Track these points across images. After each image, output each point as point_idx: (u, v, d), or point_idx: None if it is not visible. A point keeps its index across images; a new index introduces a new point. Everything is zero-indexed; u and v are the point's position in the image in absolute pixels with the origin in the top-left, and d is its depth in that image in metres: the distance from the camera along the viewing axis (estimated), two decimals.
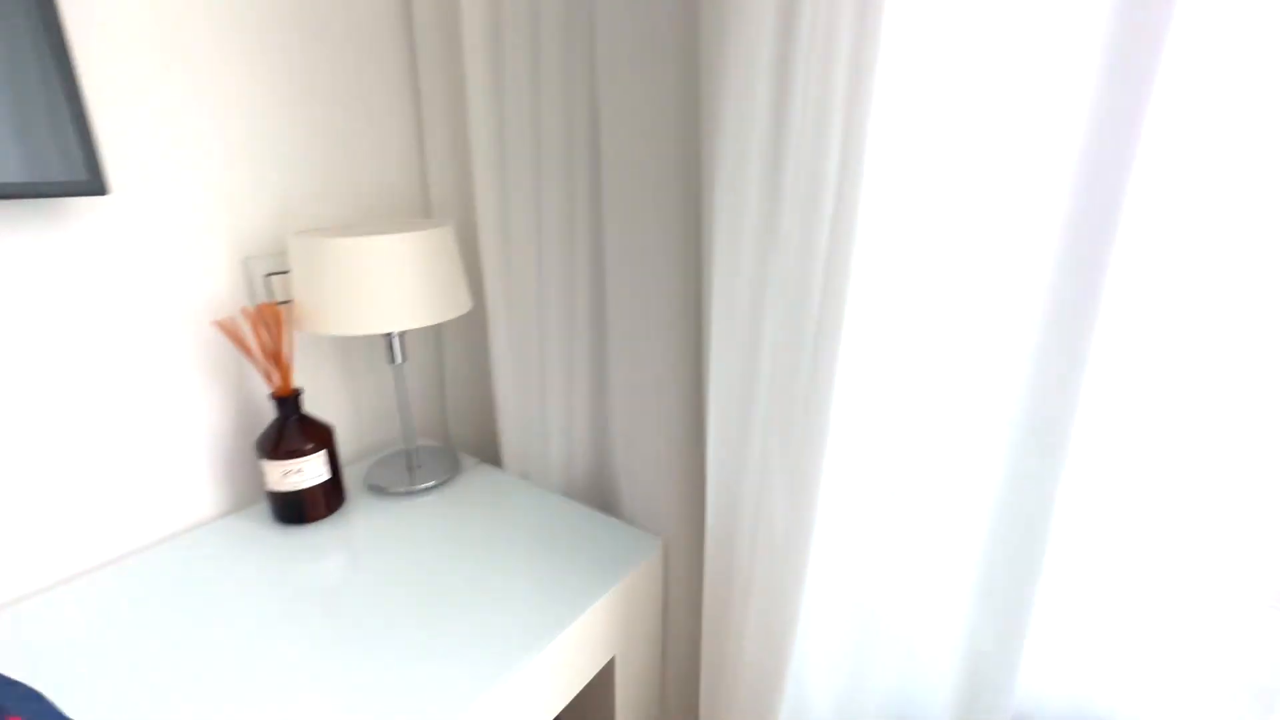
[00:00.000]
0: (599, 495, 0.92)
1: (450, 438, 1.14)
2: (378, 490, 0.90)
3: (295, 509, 0.81)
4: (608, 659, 0.74)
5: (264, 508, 0.86)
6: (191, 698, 0.58)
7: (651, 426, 0.78)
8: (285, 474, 0.79)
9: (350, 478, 0.94)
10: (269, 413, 0.90)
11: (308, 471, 0.80)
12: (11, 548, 0.69)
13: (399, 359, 0.88)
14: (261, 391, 0.88)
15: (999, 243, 0.53)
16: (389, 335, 0.86)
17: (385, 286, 0.76)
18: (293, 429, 0.80)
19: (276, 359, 0.79)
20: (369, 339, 1.00)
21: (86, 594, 0.70)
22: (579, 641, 0.68)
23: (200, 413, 0.82)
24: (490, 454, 1.12)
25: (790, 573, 0.63)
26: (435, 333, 1.10)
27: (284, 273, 0.87)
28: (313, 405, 0.95)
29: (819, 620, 0.65)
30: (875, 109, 0.50)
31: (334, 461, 0.83)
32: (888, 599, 0.65)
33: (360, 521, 0.84)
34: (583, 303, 0.82)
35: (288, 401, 0.80)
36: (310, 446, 0.80)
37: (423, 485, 0.90)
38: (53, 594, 0.70)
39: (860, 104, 0.50)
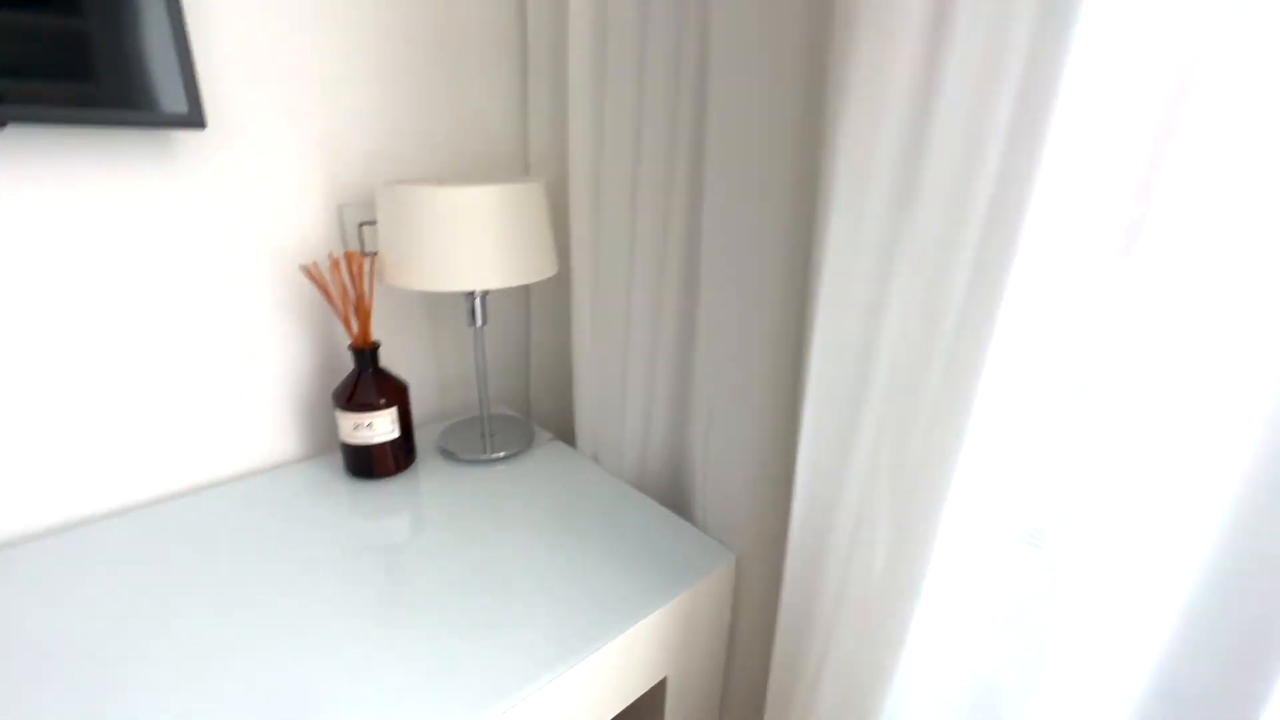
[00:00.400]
0: (672, 492, 0.84)
1: (529, 409, 1.10)
2: (448, 455, 0.88)
3: (364, 463, 0.80)
4: (659, 679, 0.66)
5: (338, 458, 0.86)
6: (246, 633, 0.58)
7: (739, 427, 0.69)
8: (356, 427, 0.77)
9: (423, 439, 0.93)
10: (348, 363, 0.89)
11: (378, 427, 0.78)
12: (94, 468, 0.73)
13: (479, 321, 0.84)
14: (344, 341, 0.88)
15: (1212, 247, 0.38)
16: (471, 295, 0.82)
17: (470, 241, 0.72)
18: (367, 382, 0.78)
19: (357, 309, 0.77)
20: (454, 299, 0.97)
21: (159, 521, 0.72)
22: (630, 653, 0.61)
23: (284, 355, 0.83)
24: (567, 430, 1.07)
25: (888, 618, 0.52)
26: (524, 298, 1.06)
27: (376, 223, 0.85)
28: (393, 362, 0.93)
29: (918, 685, 0.53)
30: (1059, 105, 0.38)
31: (405, 420, 0.81)
32: (1022, 675, 0.52)
33: (427, 484, 0.81)
34: (673, 282, 0.73)
35: (364, 354, 0.78)
36: (382, 402, 0.78)
37: (493, 455, 0.87)
38: (129, 516, 0.73)
39: (1037, 98, 0.38)
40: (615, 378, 0.84)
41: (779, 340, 0.63)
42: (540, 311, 1.02)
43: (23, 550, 0.67)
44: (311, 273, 0.75)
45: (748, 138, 0.59)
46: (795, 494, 0.60)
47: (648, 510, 0.78)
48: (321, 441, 0.89)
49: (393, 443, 0.80)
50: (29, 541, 0.69)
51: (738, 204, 0.62)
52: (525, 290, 1.06)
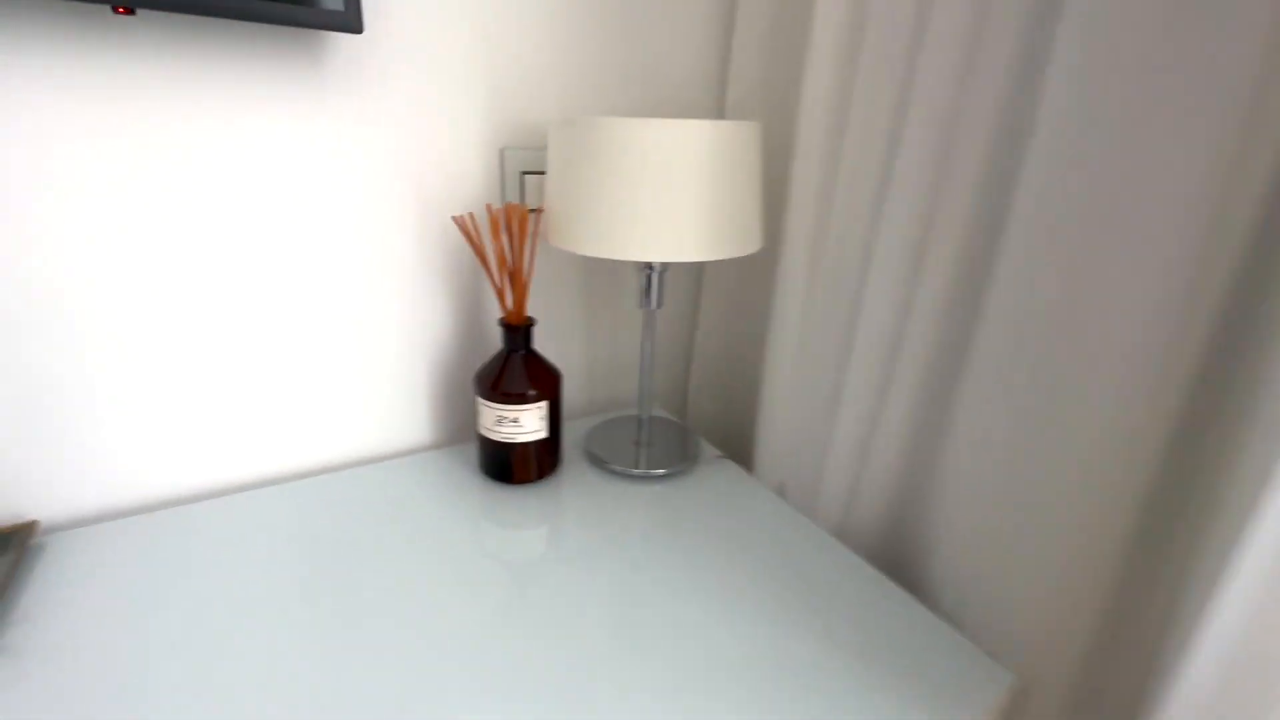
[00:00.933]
0: (891, 555, 0.63)
1: (685, 412, 0.93)
2: (597, 462, 0.72)
3: (502, 464, 0.66)
4: None
5: (472, 451, 0.73)
6: (352, 626, 0.45)
7: (1031, 486, 0.47)
8: (499, 421, 0.63)
9: (567, 437, 0.78)
10: (495, 341, 0.76)
11: (525, 423, 0.63)
12: (207, 440, 0.63)
13: (654, 303, 0.67)
14: (493, 312, 0.74)
15: None
16: (649, 269, 0.65)
17: (664, 197, 0.54)
18: (516, 368, 0.64)
19: (514, 276, 0.62)
20: (619, 272, 0.81)
21: (271, 503, 0.62)
22: None
23: (422, 323, 0.70)
24: (736, 446, 0.88)
25: None
26: (694, 278, 0.88)
27: (542, 173, 0.70)
28: (539, 343, 0.79)
29: None
30: None
31: (555, 417, 0.66)
32: None
33: (571, 496, 0.66)
34: (938, 277, 0.52)
35: (517, 333, 0.64)
36: (533, 393, 0.63)
37: (650, 471, 0.70)
38: (237, 499, 0.63)
39: None
40: (824, 392, 0.64)
41: (1158, 388, 0.40)
42: (714, 295, 0.84)
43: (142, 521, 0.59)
44: (465, 226, 0.61)
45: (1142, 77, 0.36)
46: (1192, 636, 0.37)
47: (859, 575, 0.57)
48: (456, 429, 0.76)
49: (539, 443, 0.65)
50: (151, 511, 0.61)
51: (1108, 177, 0.39)
52: (696, 269, 0.88)
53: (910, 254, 0.55)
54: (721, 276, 0.83)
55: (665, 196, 0.54)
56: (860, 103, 0.56)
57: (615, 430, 0.78)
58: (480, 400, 0.64)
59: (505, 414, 0.63)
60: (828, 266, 0.62)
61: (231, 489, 0.65)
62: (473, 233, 0.64)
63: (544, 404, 0.64)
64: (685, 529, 0.62)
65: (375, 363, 0.68)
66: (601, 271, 0.80)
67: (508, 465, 0.66)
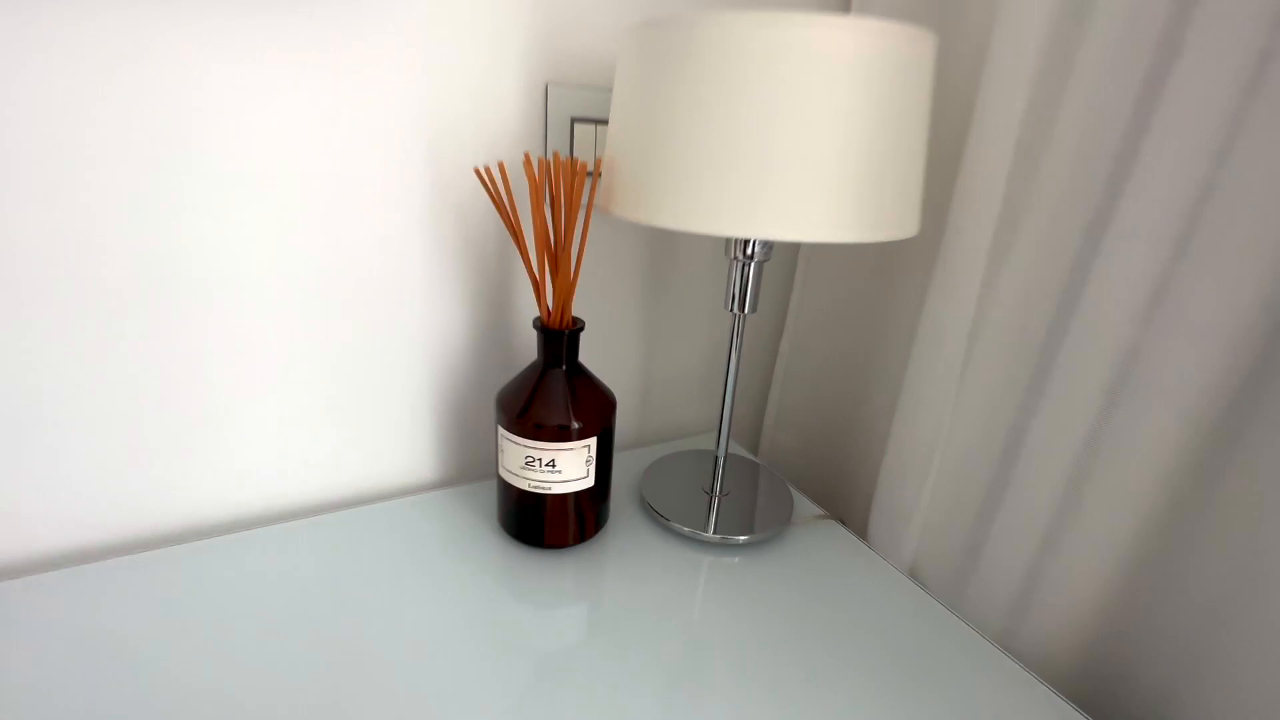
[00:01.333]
0: (1092, 686, 0.43)
1: (760, 451, 0.74)
2: (655, 517, 0.53)
3: (529, 520, 0.47)
4: None
5: (488, 494, 0.55)
6: None
7: None
8: (529, 462, 0.45)
9: (617, 479, 0.59)
10: (526, 350, 0.57)
11: (565, 468, 0.45)
12: (130, 476, 0.46)
13: (749, 305, 0.48)
14: (524, 308, 0.56)
15: None
16: (746, 255, 0.47)
17: (789, 141, 0.36)
18: (556, 390, 0.45)
19: (559, 259, 0.44)
20: (691, 259, 0.62)
21: (217, 560, 0.44)
22: None
23: (426, 321, 0.52)
24: (830, 503, 0.69)
25: None
26: (784, 275, 0.69)
27: (599, 123, 0.52)
28: (584, 352, 0.61)
29: None
30: None
31: (605, 461, 0.48)
32: None
33: (620, 566, 0.47)
34: (1211, 327, 0.32)
35: (559, 341, 0.45)
36: (577, 428, 0.44)
37: (732, 538, 0.51)
38: (177, 551, 0.46)
39: None
40: (993, 448, 0.44)
41: None
42: (811, 300, 0.64)
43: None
44: (492, 182, 0.43)
45: None
46: None
47: (1045, 708, 0.37)
48: (468, 464, 0.58)
49: (581, 496, 0.47)
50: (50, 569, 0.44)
51: None
52: (789, 262, 0.68)
53: (1154, 271, 0.35)
54: (823, 273, 0.63)
55: (797, 140, 0.35)
56: (1105, 16, 0.37)
57: (678, 472, 0.59)
58: (503, 433, 0.45)
59: (538, 454, 0.44)
60: (1016, 270, 0.42)
61: (154, 541, 0.48)
62: (501, 193, 0.46)
63: (591, 442, 0.45)
64: (780, 620, 0.43)
65: (363, 373, 0.51)
66: (666, 257, 0.61)
67: (536, 522, 0.47)
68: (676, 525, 0.51)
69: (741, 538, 0.51)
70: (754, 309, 0.49)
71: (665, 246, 0.60)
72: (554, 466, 0.45)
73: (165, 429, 0.45)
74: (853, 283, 0.62)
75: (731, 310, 0.49)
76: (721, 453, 0.55)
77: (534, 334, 0.57)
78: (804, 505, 0.57)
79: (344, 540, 0.48)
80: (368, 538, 0.48)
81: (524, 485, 0.46)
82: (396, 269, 0.49)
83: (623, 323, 0.61)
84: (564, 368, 0.46)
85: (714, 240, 0.62)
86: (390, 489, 0.55)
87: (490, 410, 0.57)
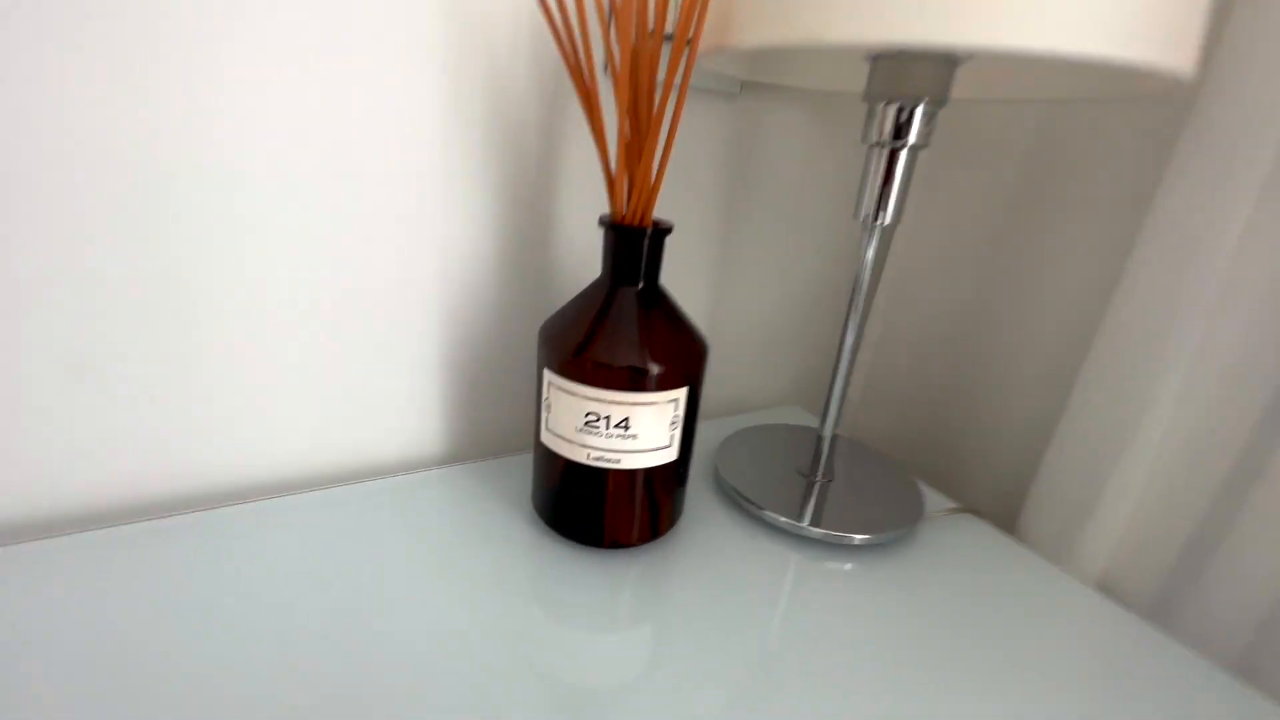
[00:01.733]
0: None
1: (849, 431, 0.60)
2: (742, 507, 0.40)
3: (584, 510, 0.33)
4: None
5: (520, 473, 0.41)
6: None
7: None
8: (590, 421, 0.31)
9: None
10: (573, 277, 0.44)
11: (640, 430, 0.31)
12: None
13: (889, 212, 0.35)
14: (568, 218, 0.42)
15: None
16: (900, 130, 0.33)
17: None
18: (628, 318, 0.32)
19: (646, 124, 0.30)
20: (786, 169, 0.49)
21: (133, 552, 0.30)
22: None
23: (439, 230, 0.38)
24: (945, 479, 0.55)
25: None
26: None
27: None
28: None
29: None
30: None
31: (691, 429, 0.34)
32: None
33: (699, 573, 0.34)
34: None
35: (635, 246, 0.31)
36: (656, 374, 0.31)
37: (846, 536, 0.37)
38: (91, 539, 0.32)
39: None
40: (1228, 457, 0.32)
41: None
42: (919, 239, 0.51)
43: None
44: (560, 7, 0.30)
45: None
46: None
47: None
48: (488, 434, 0.45)
49: (659, 473, 0.33)
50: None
51: None
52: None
53: None
54: (938, 206, 0.50)
55: None
56: None
57: (763, 450, 0.45)
58: (552, 379, 0.32)
59: (606, 408, 0.30)
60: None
61: (137, 512, 0.34)
62: (573, 26, 0.32)
63: (679, 396, 0.32)
64: (929, 650, 0.30)
65: (350, 305, 0.37)
66: (749, 170, 0.47)
67: (593, 511, 0.33)
68: (768, 511, 0.38)
69: (860, 537, 0.37)
70: (897, 217, 0.35)
71: (751, 152, 0.47)
72: (626, 429, 0.31)
73: (143, 377, 0.31)
74: (977, 215, 0.49)
75: (865, 219, 0.35)
76: (830, 421, 0.42)
77: (582, 264, 0.43)
78: (931, 496, 0.44)
79: (312, 535, 0.34)
80: (345, 533, 0.34)
81: (580, 457, 0.32)
82: (401, 163, 0.35)
83: (686, 262, 0.48)
84: (640, 287, 0.32)
85: (812, 142, 0.49)
86: (379, 464, 0.42)
87: (520, 362, 0.44)
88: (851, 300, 0.38)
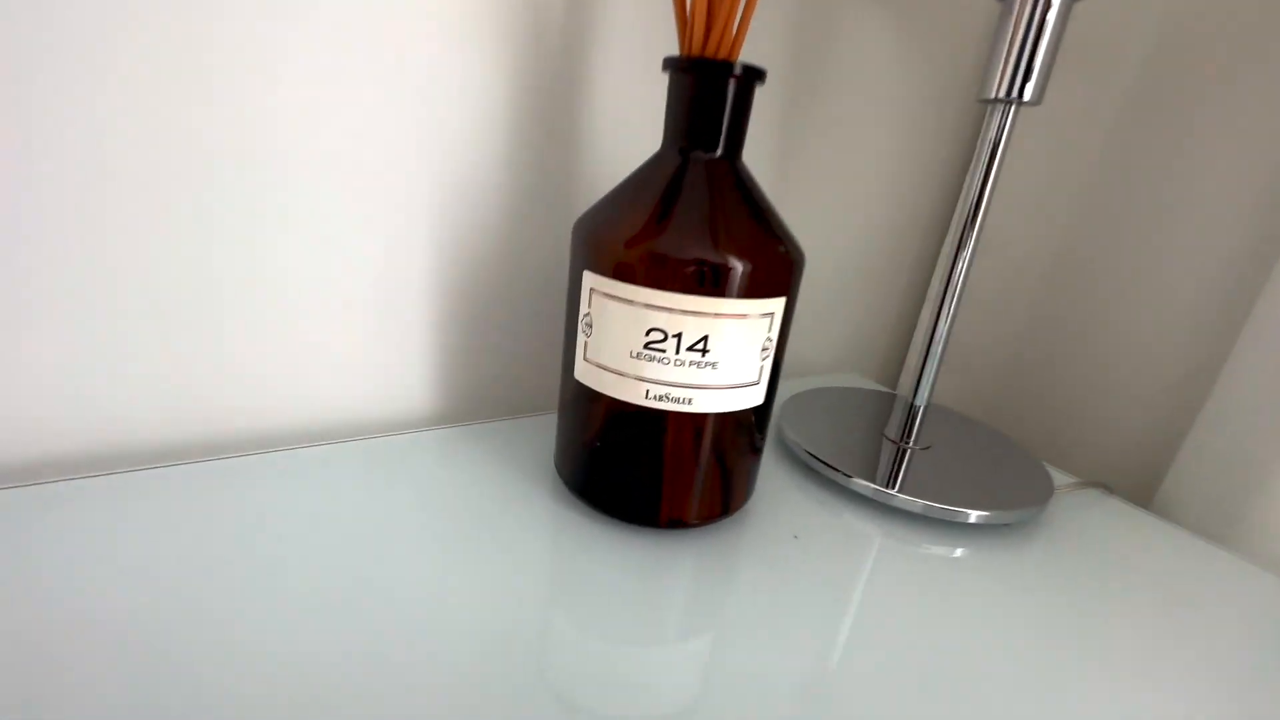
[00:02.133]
0: None
1: (898, 387, 0.52)
2: (826, 474, 0.31)
3: (636, 478, 0.24)
4: None
5: (541, 431, 0.32)
6: None
7: None
8: (650, 342, 0.22)
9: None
10: (605, 169, 0.35)
11: (722, 357, 0.22)
12: None
13: (1031, 85, 0.27)
14: (598, 127, 0.33)
15: None
16: None
17: None
18: (701, 194, 0.22)
19: None
20: (872, 57, 0.40)
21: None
22: None
23: (431, 115, 0.29)
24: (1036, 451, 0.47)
25: None
26: (965, 140, 0.48)
27: None
28: None
29: None
30: None
31: (779, 360, 0.25)
32: None
33: (775, 558, 0.25)
34: None
35: (717, 88, 0.22)
36: (747, 272, 0.22)
37: (960, 511, 0.29)
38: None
39: None
40: None
41: None
42: (1015, 169, 0.43)
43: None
44: None
45: None
46: None
47: None
48: (489, 392, 0.35)
49: (742, 420, 0.24)
50: None
51: None
52: (974, 117, 0.47)
53: None
54: (1034, 112, 0.42)
55: None
56: None
57: (836, 414, 0.37)
58: (597, 283, 0.22)
59: (677, 320, 0.21)
60: None
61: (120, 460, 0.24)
62: None
63: (776, 307, 0.23)
64: (1089, 647, 0.21)
65: (310, 215, 0.27)
66: (819, 38, 0.39)
67: (649, 475, 0.24)
68: (850, 476, 0.29)
69: (975, 513, 0.28)
70: (1038, 94, 0.27)
71: (820, 48, 0.38)
72: (704, 352, 0.22)
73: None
74: (1079, 137, 0.41)
75: (998, 94, 0.27)
76: (927, 380, 0.33)
77: (670, 78, 0.34)
78: (1046, 471, 0.35)
79: (267, 513, 0.24)
80: (305, 512, 0.24)
81: (634, 395, 0.23)
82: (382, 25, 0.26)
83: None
84: (719, 155, 0.23)
85: (893, 45, 0.40)
86: (358, 422, 0.32)
87: (565, 244, 0.34)
88: (965, 225, 0.30)
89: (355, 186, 0.28)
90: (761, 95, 0.37)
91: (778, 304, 0.22)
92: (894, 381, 0.53)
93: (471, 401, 0.34)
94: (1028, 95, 0.27)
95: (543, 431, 0.32)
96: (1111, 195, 0.41)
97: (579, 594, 0.21)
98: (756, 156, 0.38)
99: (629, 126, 0.33)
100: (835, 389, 0.41)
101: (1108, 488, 0.34)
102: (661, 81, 0.33)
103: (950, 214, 0.48)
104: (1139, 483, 0.38)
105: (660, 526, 0.25)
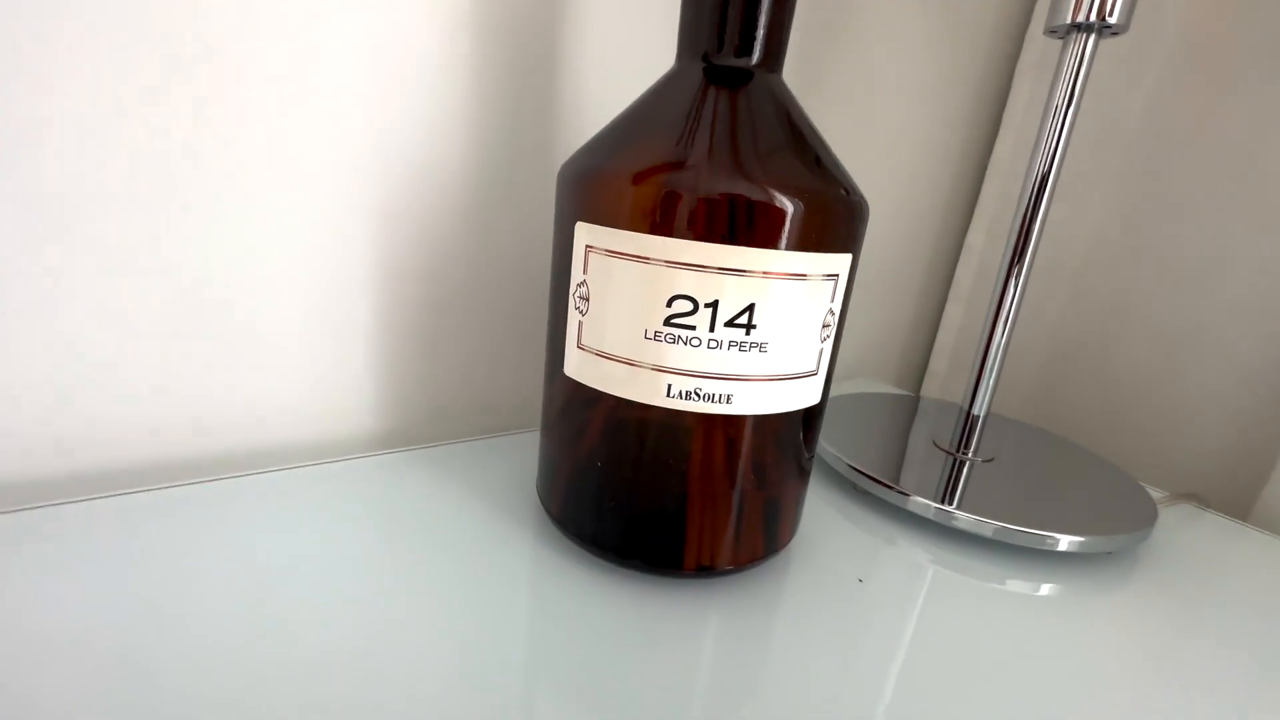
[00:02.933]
0: None
1: (921, 390, 0.46)
2: (876, 493, 0.25)
3: (650, 512, 0.18)
4: None
5: (527, 453, 0.25)
6: None
7: None
8: (672, 317, 0.16)
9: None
10: (592, 110, 0.29)
11: (772, 336, 0.16)
12: None
13: (1115, 11, 0.22)
14: (584, 99, 0.27)
15: None
16: None
17: None
18: (731, 115, 0.16)
19: None
20: None
21: None
22: None
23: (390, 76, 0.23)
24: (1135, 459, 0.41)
25: None
26: (988, 119, 0.43)
27: None
28: None
29: None
30: None
31: (838, 345, 0.19)
32: None
33: (825, 606, 0.18)
34: None
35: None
36: (800, 214, 0.16)
37: (1050, 537, 0.23)
38: None
39: None
40: None
41: None
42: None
43: None
44: None
45: None
46: None
47: None
48: (444, 409, 0.28)
49: (796, 426, 0.18)
50: None
51: None
52: (1000, 88, 0.42)
53: None
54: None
55: None
56: None
57: (870, 421, 0.31)
58: (596, 236, 0.16)
59: (713, 283, 0.15)
60: None
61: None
62: None
63: (841, 269, 0.17)
64: (1226, 696, 0.15)
65: (238, 209, 0.21)
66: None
67: (669, 507, 0.18)
68: (934, 508, 0.23)
69: (1065, 539, 0.22)
70: (1126, 16, 0.22)
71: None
72: (749, 329, 0.16)
73: None
74: (1115, 108, 0.36)
75: (1077, 21, 0.22)
76: (986, 385, 0.27)
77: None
78: (1136, 486, 0.30)
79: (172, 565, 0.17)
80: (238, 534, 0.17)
81: (652, 393, 0.16)
82: None
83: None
84: (755, 61, 0.17)
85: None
86: (295, 445, 0.25)
87: (515, 304, 0.28)
88: (1035, 194, 0.25)
89: (286, 177, 0.21)
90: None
91: (843, 262, 0.17)
92: (916, 387, 0.48)
93: (435, 418, 0.28)
94: (1115, 16, 0.22)
95: (522, 453, 0.26)
96: (1169, 168, 0.36)
97: (572, 669, 0.15)
98: None
99: (621, 83, 0.27)
100: (865, 395, 0.35)
101: (1202, 500, 0.28)
102: (657, 33, 0.27)
103: (974, 194, 0.43)
104: (1229, 492, 0.33)
105: (684, 574, 0.19)
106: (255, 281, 0.22)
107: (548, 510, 0.20)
